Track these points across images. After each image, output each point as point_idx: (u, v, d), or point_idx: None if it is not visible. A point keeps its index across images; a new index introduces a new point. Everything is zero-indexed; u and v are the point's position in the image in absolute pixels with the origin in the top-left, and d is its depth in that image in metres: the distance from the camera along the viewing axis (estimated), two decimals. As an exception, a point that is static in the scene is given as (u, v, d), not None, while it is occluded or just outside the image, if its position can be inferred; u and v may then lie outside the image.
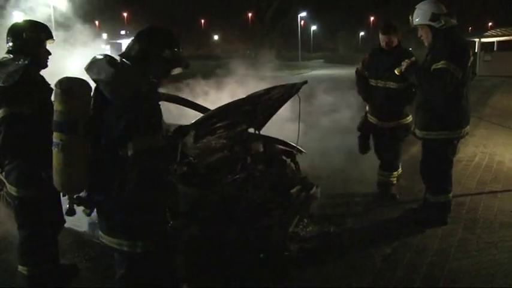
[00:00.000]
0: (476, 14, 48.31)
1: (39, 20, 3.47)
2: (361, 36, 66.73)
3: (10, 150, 3.21)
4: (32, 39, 3.24)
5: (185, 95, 6.64)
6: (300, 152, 4.81)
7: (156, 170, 2.38)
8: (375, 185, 5.56)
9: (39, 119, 3.16)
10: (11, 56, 3.20)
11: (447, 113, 4.31)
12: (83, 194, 2.52)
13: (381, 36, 5.11)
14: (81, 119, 2.36)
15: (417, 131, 4.54)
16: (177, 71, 2.60)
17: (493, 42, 27.10)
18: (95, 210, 2.57)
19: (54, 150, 2.39)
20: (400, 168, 5.47)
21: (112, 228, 2.51)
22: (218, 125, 4.15)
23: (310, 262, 3.93)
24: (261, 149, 4.55)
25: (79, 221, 4.26)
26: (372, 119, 5.33)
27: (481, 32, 27.97)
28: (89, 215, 2.57)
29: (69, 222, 4.35)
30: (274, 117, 4.87)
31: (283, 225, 3.96)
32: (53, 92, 2.45)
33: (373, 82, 5.19)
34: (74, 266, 4.00)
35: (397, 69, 4.58)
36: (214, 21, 58.92)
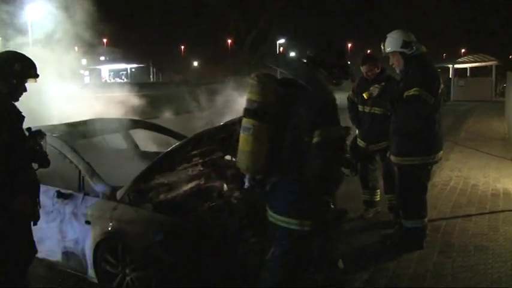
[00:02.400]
0: (451, 40, 49.69)
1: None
2: (339, 62, 67.74)
3: None
4: (20, 72, 3.20)
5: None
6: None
7: (335, 157, 2.75)
8: (351, 210, 5.61)
9: (8, 148, 3.10)
10: None
11: (421, 139, 4.39)
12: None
13: (361, 67, 5.35)
14: (271, 108, 2.71)
15: (392, 157, 4.60)
16: None
17: (466, 68, 27.88)
18: None
19: (244, 134, 2.73)
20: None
21: (283, 208, 2.80)
22: (194, 152, 4.14)
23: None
24: (237, 176, 4.53)
25: (51, 251, 4.19)
26: (360, 142, 5.48)
27: (454, 59, 28.76)
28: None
29: (42, 252, 4.28)
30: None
31: (260, 252, 3.94)
32: (249, 84, 2.76)
33: (360, 108, 5.43)
34: None
35: (365, 93, 4.74)
36: (194, 48, 59.36)
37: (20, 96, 3.31)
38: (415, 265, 4.25)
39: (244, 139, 2.73)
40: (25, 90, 3.31)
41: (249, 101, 2.74)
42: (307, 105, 2.71)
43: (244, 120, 2.74)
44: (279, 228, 2.84)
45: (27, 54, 3.38)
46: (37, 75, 3.33)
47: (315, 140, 2.64)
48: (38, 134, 3.43)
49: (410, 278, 4.00)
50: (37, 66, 3.36)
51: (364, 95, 4.80)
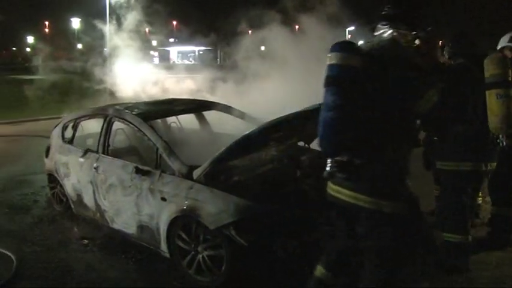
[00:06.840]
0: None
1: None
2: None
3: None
4: None
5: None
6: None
7: None
8: (423, 205, 5.44)
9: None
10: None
11: None
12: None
13: None
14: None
15: None
16: None
17: None
18: None
19: (500, 100, 3.44)
20: None
21: None
22: (271, 137, 4.11)
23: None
24: (310, 163, 4.49)
25: (127, 223, 4.35)
26: None
27: None
28: None
29: (118, 224, 4.46)
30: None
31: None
32: (490, 62, 3.50)
33: None
34: None
35: None
36: (260, 32, 59.07)
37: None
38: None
39: (498, 105, 3.45)
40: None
41: (495, 75, 3.47)
42: None
43: (498, 90, 3.45)
44: None
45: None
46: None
47: None
48: None
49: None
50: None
51: None
